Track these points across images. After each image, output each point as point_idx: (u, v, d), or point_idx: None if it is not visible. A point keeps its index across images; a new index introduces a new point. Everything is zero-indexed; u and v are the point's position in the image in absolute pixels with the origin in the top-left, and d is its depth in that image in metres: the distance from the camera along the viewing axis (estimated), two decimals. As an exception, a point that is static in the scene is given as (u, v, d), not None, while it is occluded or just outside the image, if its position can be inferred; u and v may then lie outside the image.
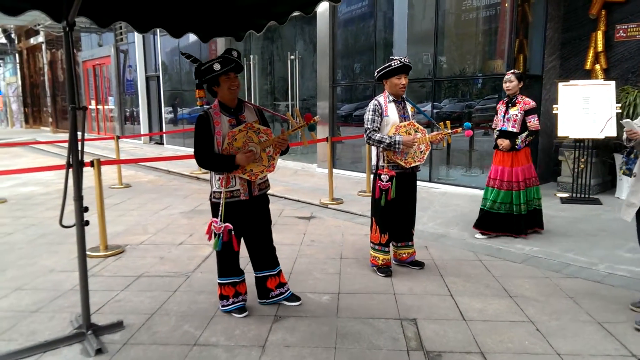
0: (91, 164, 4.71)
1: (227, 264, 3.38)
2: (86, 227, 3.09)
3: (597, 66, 7.39)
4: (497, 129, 5.03)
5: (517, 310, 3.44)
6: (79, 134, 3.00)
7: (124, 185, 8.60)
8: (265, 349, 2.95)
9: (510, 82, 4.87)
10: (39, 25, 19.72)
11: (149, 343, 3.03)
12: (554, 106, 6.74)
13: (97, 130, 20.10)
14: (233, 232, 3.20)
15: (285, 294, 3.58)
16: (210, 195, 3.32)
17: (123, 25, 16.65)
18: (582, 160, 6.61)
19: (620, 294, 3.68)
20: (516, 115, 4.83)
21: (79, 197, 3.00)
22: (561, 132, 6.59)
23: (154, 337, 3.11)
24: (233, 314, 3.39)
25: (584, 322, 3.25)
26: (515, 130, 4.84)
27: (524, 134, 4.82)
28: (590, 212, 6.08)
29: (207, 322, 3.31)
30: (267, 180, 3.44)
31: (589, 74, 7.47)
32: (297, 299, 3.60)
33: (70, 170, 2.97)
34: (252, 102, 3.58)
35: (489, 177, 5.08)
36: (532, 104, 4.84)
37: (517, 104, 4.85)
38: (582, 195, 6.63)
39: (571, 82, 6.77)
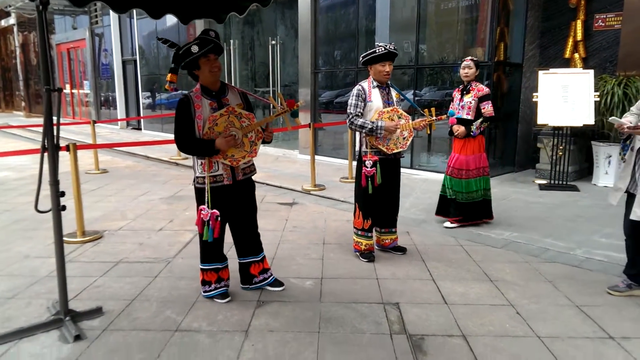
0: (67, 148, 4.58)
1: (210, 249, 3.32)
2: (62, 213, 3.01)
3: (576, 55, 7.48)
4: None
5: (498, 294, 3.48)
6: (55, 117, 2.90)
7: (100, 171, 8.42)
8: (248, 334, 2.93)
9: (469, 68, 4.81)
10: (9, 6, 19.03)
11: (129, 329, 2.98)
12: (534, 94, 6.81)
13: (72, 114, 19.63)
14: (219, 219, 3.14)
15: (269, 279, 3.55)
16: (194, 181, 3.26)
17: (99, 7, 16.21)
18: (561, 147, 6.71)
19: (597, 278, 3.76)
20: (470, 103, 4.80)
21: (54, 182, 2.90)
22: (540, 119, 6.67)
23: (134, 323, 3.05)
24: (215, 300, 3.35)
25: (562, 305, 3.31)
26: (469, 117, 4.81)
27: (479, 121, 4.79)
28: (568, 198, 6.19)
29: (189, 307, 3.27)
30: (253, 164, 3.39)
31: (568, 63, 7.56)
32: (280, 284, 3.58)
33: (46, 154, 2.87)
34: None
35: (448, 164, 5.08)
36: (486, 90, 4.83)
37: (472, 91, 4.81)
38: (560, 182, 6.74)
39: (551, 70, 6.85)
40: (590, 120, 6.41)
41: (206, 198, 3.12)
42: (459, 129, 4.84)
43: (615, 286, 3.49)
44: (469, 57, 4.91)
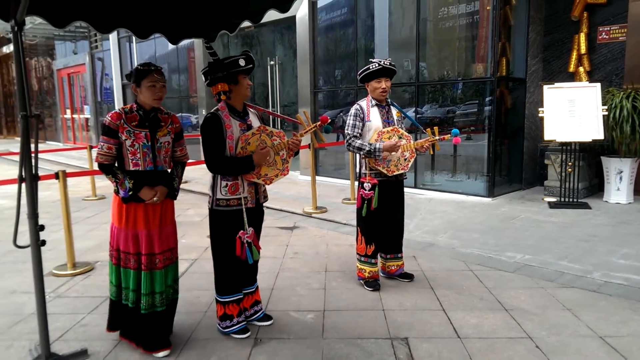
0: (56, 176, 4.39)
1: (237, 276, 3.12)
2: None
3: (581, 68, 7.31)
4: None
5: (514, 325, 3.23)
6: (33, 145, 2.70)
7: (98, 197, 8.21)
8: (244, 377, 2.69)
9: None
10: (9, 32, 19.13)
11: (115, 374, 2.75)
12: (540, 109, 6.62)
13: (73, 140, 19.55)
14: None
15: (259, 313, 3.33)
16: (213, 203, 3.04)
17: (99, 33, 16.24)
18: (570, 163, 6.48)
19: (619, 304, 3.50)
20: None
21: (33, 215, 2.70)
22: (548, 135, 6.46)
23: (120, 367, 2.82)
24: (233, 336, 3.11)
25: (585, 336, 3.06)
26: (166, 166, 2.98)
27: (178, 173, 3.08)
28: (579, 216, 5.94)
29: (181, 347, 3.02)
30: (266, 189, 3.27)
31: (572, 77, 7.39)
32: (268, 318, 3.35)
33: (24, 184, 2.67)
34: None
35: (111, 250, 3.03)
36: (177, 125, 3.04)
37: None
38: (571, 200, 6.50)
39: (556, 84, 6.67)
40: (600, 135, 6.20)
41: (244, 219, 2.99)
42: (161, 190, 2.96)
43: None
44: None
